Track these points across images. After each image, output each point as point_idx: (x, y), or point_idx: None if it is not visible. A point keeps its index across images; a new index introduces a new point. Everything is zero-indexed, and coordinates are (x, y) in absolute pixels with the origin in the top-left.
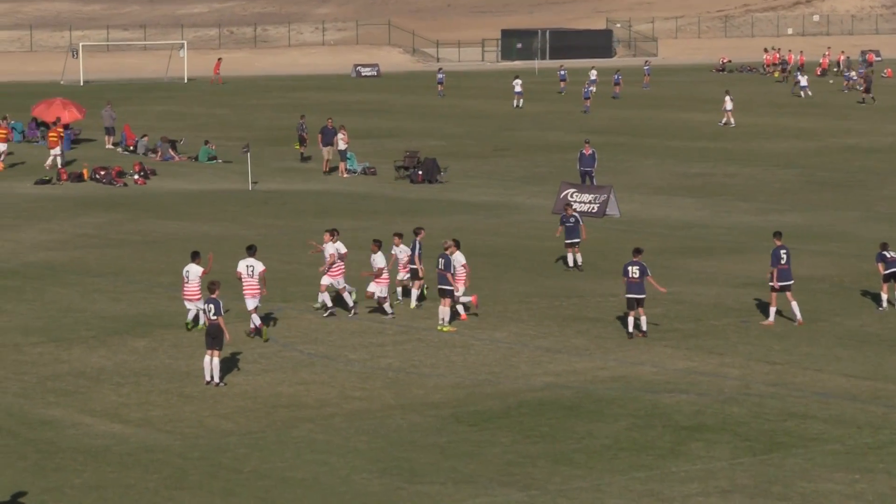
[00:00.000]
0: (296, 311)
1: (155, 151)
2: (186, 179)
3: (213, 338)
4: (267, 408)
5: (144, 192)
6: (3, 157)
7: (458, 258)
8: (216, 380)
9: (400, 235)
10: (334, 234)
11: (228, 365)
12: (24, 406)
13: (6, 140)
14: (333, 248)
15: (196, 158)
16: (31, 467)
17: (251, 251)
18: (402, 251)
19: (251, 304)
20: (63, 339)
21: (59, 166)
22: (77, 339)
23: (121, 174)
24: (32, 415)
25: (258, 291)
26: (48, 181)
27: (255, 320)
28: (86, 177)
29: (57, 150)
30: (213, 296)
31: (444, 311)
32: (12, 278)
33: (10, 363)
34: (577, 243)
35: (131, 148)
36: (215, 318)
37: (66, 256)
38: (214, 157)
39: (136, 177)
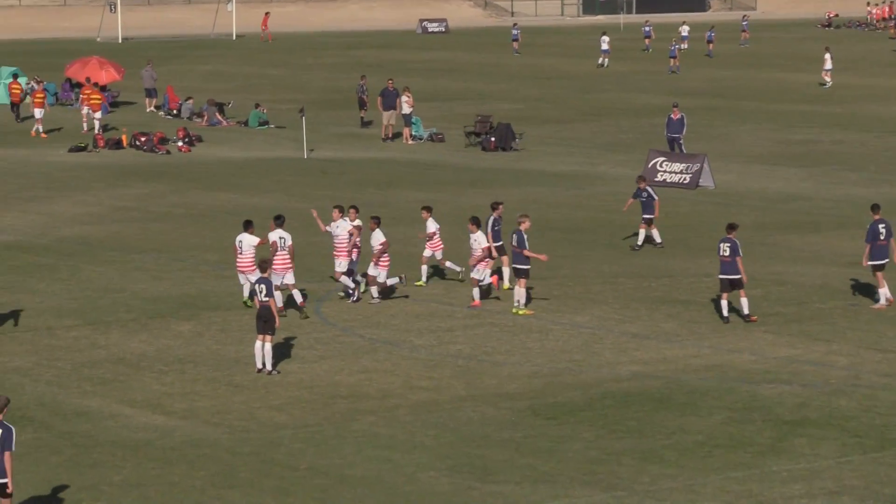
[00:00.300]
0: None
1: (200, 115)
2: (235, 146)
3: (265, 321)
4: (324, 398)
5: (189, 161)
6: (40, 124)
7: (480, 238)
8: (268, 367)
9: (429, 209)
10: (348, 211)
11: (282, 351)
12: (57, 396)
13: (42, 105)
14: (348, 225)
15: (246, 123)
16: (65, 463)
17: (280, 221)
18: (430, 225)
19: (279, 279)
20: (100, 322)
21: (97, 132)
22: (115, 323)
23: (163, 141)
24: (67, 405)
25: (290, 266)
26: (83, 148)
27: (297, 296)
28: (125, 143)
29: (99, 114)
30: (265, 275)
31: (519, 292)
32: (45, 255)
33: (43, 348)
34: (651, 220)
35: (174, 112)
36: (267, 299)
37: (104, 231)
38: (266, 122)
39: (179, 143)
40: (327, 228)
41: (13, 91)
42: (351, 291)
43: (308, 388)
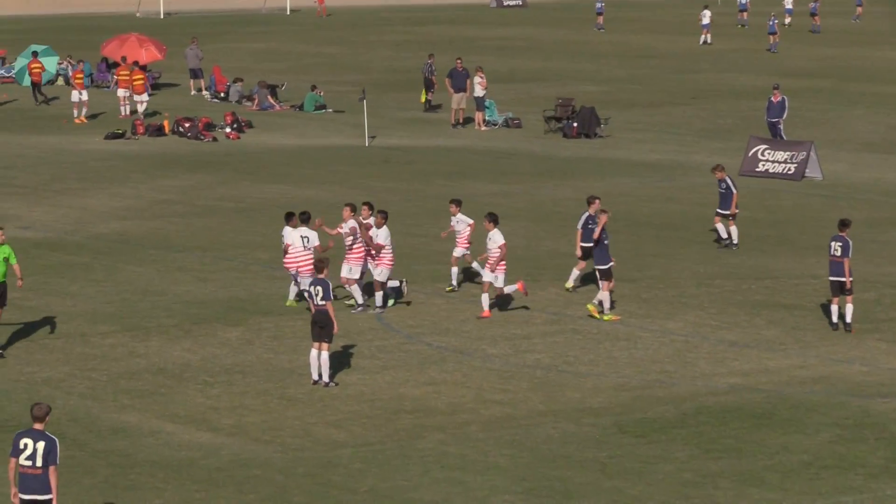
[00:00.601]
0: (423, 293)
1: (251, 99)
2: (289, 133)
3: (322, 328)
4: (387, 413)
5: (238, 149)
6: (84, 109)
7: (496, 237)
8: (325, 379)
9: (458, 203)
10: (366, 209)
11: (340, 360)
12: (92, 410)
13: (83, 87)
14: (352, 224)
15: (300, 107)
16: (100, 484)
17: (305, 218)
18: (459, 222)
19: (305, 282)
20: (139, 329)
21: (140, 116)
22: (156, 329)
23: (209, 127)
24: (102, 420)
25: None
26: (121, 135)
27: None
28: (167, 130)
29: (144, 97)
30: (321, 276)
31: (603, 294)
32: (79, 254)
33: (76, 357)
34: (728, 216)
35: (222, 95)
36: (323, 303)
37: (143, 227)
38: (323, 106)
39: (227, 130)
40: (339, 229)
41: (33, 70)
42: (361, 303)
43: (369, 401)
